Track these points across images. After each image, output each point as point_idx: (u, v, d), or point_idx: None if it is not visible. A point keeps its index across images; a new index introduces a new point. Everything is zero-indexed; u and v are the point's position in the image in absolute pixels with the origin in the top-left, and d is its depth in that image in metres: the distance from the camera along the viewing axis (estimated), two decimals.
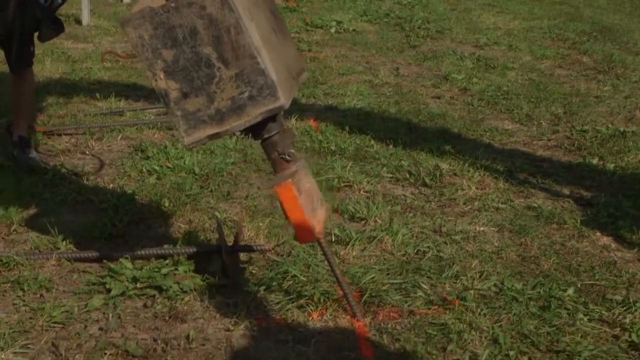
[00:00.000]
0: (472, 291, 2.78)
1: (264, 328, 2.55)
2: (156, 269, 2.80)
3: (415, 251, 3.12)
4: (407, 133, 4.68)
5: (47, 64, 5.92)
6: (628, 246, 3.28)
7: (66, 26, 4.15)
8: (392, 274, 2.91)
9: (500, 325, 2.58)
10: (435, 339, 2.50)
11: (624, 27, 8.58)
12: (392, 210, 3.50)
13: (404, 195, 3.73)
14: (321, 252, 2.92)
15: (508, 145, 4.58)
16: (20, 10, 3.63)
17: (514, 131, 4.84)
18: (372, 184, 3.81)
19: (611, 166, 4.21)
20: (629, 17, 9.27)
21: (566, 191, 3.86)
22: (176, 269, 2.81)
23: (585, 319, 2.65)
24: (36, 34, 3.81)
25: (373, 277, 2.84)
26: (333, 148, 4.28)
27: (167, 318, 2.59)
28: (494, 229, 3.38)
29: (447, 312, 2.66)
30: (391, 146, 4.38)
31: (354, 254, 3.06)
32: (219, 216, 3.31)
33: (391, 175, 3.96)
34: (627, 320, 2.65)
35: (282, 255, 3.01)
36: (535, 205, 3.64)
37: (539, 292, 2.81)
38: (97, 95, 5.10)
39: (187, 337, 2.48)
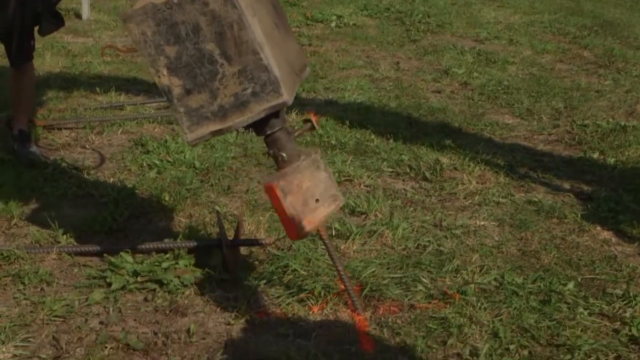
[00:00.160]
0: (472, 285, 2.78)
1: (265, 322, 2.55)
2: (157, 263, 2.81)
3: (416, 245, 3.12)
4: (407, 127, 4.68)
5: (47, 58, 5.92)
6: (628, 240, 3.28)
7: (66, 20, 4.14)
8: (393, 268, 2.91)
9: (501, 319, 2.59)
10: (436, 333, 2.51)
11: (625, 21, 8.57)
12: (392, 205, 3.50)
13: (405, 189, 3.73)
14: (322, 246, 2.93)
15: (508, 139, 4.58)
16: (20, 5, 3.63)
17: (515, 125, 4.84)
18: (372, 178, 3.81)
19: (612, 160, 4.21)
20: (629, 12, 9.25)
21: (567, 185, 3.86)
22: (177, 263, 2.82)
23: (586, 313, 2.66)
24: (36, 28, 3.81)
25: (373, 271, 2.85)
26: (333, 142, 4.28)
27: (167, 312, 2.60)
28: (494, 223, 3.38)
29: (448, 306, 2.66)
30: (391, 140, 4.38)
31: (355, 248, 3.06)
32: (219, 210, 3.31)
33: (391, 170, 3.96)
34: (628, 315, 2.65)
35: (282, 249, 3.02)
36: (536, 199, 3.64)
37: (539, 286, 2.81)
38: (97, 89, 5.10)
39: (188, 331, 2.48)
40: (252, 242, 3.02)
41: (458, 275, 2.88)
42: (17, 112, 3.97)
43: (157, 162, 3.86)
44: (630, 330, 2.56)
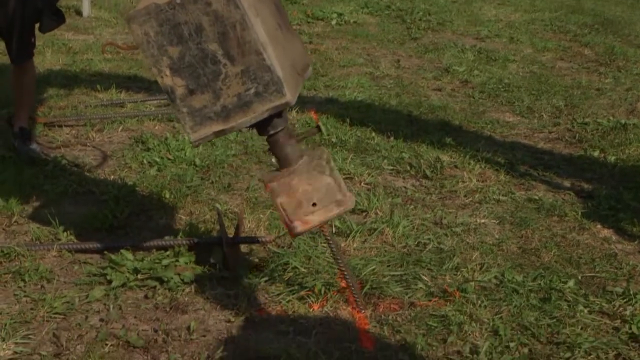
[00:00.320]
0: (472, 283, 2.78)
1: (265, 319, 2.55)
2: (157, 260, 2.81)
3: (416, 243, 3.12)
4: (408, 125, 4.68)
5: (47, 55, 5.92)
6: (629, 238, 3.28)
7: (67, 17, 4.14)
8: (393, 265, 2.91)
9: (501, 317, 2.59)
10: (436, 331, 2.51)
11: (626, 19, 8.56)
12: (392, 202, 3.50)
13: (405, 187, 3.73)
14: (322, 244, 2.93)
15: (509, 137, 4.58)
16: (21, 2, 3.63)
17: (515, 124, 4.84)
18: (372, 176, 3.81)
19: (612, 159, 4.20)
20: (630, 10, 9.24)
21: (567, 183, 3.86)
22: (177, 260, 2.82)
23: (586, 310, 2.66)
24: (37, 25, 3.81)
25: (374, 269, 2.85)
26: (334, 140, 4.28)
27: (167, 309, 2.60)
28: (494, 221, 3.38)
29: (448, 303, 2.66)
30: (392, 138, 4.38)
31: (355, 245, 3.06)
32: (219, 208, 3.31)
33: (392, 168, 3.96)
34: (628, 312, 2.65)
35: (282, 247, 3.02)
36: (536, 197, 3.64)
37: (540, 284, 2.81)
38: (98, 86, 5.10)
39: (188, 328, 2.49)
40: (253, 240, 3.02)
41: (458, 273, 2.88)
42: (18, 110, 3.97)
43: (158, 159, 3.86)
44: (630, 328, 2.56)
